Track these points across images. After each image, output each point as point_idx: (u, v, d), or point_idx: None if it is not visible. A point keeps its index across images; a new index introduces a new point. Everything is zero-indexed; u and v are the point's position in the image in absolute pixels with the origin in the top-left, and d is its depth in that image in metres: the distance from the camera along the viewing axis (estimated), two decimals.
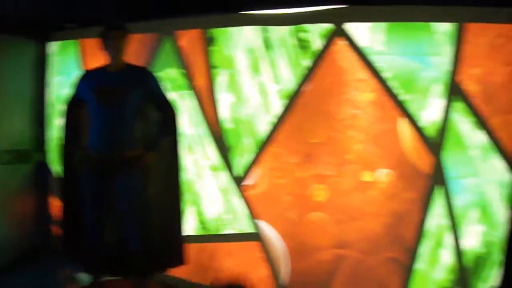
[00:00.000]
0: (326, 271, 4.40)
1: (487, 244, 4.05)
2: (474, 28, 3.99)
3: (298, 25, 4.42)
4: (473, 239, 4.08)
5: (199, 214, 4.81)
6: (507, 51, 3.90)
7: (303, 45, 4.42)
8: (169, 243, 4.26)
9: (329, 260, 4.38)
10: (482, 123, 3.99)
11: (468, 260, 4.08)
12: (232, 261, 4.74)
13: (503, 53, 3.91)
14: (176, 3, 4.56)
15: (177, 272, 4.43)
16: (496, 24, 3.94)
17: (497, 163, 3.98)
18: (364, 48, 4.20)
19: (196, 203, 4.82)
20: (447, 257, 4.12)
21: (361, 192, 4.26)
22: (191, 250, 4.44)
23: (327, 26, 4.34)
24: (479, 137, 4.01)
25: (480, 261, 4.07)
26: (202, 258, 4.77)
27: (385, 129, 4.20)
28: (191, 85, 4.80)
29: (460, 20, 4.00)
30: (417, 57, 4.09)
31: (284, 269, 4.55)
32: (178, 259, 4.29)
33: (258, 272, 4.64)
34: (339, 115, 4.30)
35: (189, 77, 4.81)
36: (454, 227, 4.10)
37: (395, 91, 4.14)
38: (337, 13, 4.30)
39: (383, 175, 4.22)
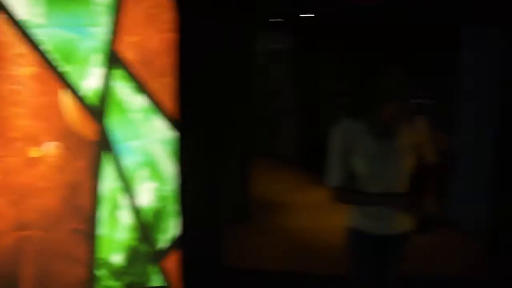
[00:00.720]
0: (12, 255, 4.13)
1: (161, 199, 4.40)
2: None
3: None
4: (147, 196, 4.37)
5: None
6: (161, 20, 4.27)
7: None
8: None
9: (12, 244, 4.12)
10: (141, 87, 4.29)
11: (147, 216, 4.37)
12: None
13: (158, 21, 4.27)
14: None
15: None
16: None
17: (159, 123, 4.34)
18: (24, 21, 4.05)
19: None
20: (126, 218, 4.33)
21: (32, 169, 4.13)
22: None
23: None
24: (140, 101, 4.30)
25: (158, 215, 4.41)
26: None
27: (48, 102, 4.14)
28: None
29: None
30: (76, 28, 4.13)
31: None
32: None
33: None
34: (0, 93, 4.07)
35: None
36: (127, 188, 4.33)
37: (56, 63, 4.12)
38: None
39: (51, 148, 4.18)
